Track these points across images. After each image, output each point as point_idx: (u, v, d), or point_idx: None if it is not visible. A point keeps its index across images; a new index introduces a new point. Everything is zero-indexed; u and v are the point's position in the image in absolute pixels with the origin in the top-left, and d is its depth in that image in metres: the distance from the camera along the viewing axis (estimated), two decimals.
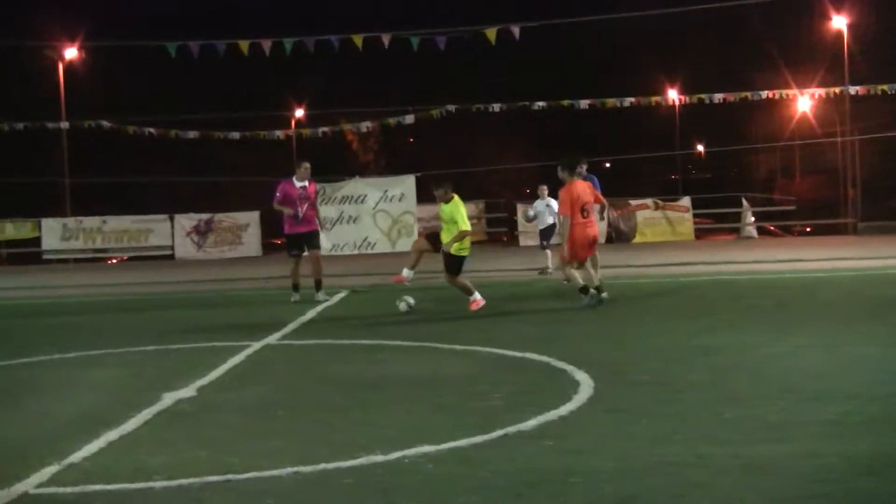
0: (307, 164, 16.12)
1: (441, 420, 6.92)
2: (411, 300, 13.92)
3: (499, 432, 6.38)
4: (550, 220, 19.54)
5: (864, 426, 6.38)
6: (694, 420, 6.70)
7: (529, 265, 21.08)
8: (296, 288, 15.96)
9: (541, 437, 6.31)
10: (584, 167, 17.53)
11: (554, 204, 19.60)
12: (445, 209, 13.86)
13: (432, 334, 11.40)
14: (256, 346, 10.92)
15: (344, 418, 7.13)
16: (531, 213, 20.52)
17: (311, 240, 16.01)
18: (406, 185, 29.97)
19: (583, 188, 13.41)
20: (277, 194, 15.99)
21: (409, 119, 31.65)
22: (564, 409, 7.00)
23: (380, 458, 5.89)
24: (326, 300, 15.82)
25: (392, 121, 32.32)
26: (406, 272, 14.35)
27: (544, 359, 9.26)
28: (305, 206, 15.78)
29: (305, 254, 15.99)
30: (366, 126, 36.07)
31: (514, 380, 8.47)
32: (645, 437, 6.26)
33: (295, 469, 5.70)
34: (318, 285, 16.02)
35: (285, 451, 6.14)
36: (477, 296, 13.77)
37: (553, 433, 6.40)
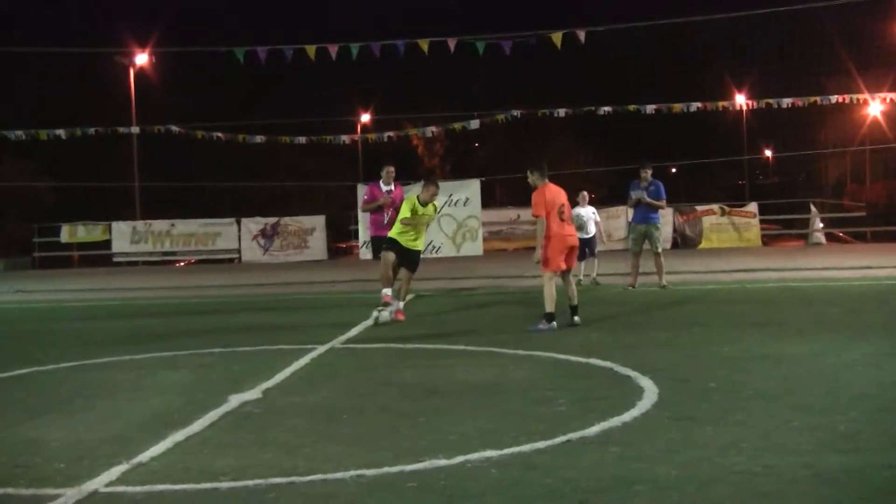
0: (391, 168, 15.95)
1: (504, 425, 6.91)
2: (386, 314, 13.70)
3: (562, 438, 6.36)
4: (593, 230, 19.21)
5: None
6: (761, 429, 6.61)
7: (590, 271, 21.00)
8: (389, 283, 15.21)
9: (605, 444, 6.28)
10: (649, 172, 17.44)
11: (594, 213, 19.38)
12: None
13: (497, 340, 11.40)
14: (321, 349, 10.99)
15: (407, 423, 7.15)
16: (582, 217, 19.24)
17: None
18: (471, 189, 30.02)
19: (555, 191, 12.62)
20: (365, 196, 16.02)
21: (475, 124, 31.65)
22: (628, 416, 6.96)
23: (443, 462, 5.90)
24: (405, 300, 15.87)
25: (458, 125, 32.34)
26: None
27: (608, 364, 9.22)
28: (391, 211, 15.61)
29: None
30: (430, 131, 36.14)
31: (577, 386, 8.44)
32: (711, 446, 6.20)
33: (358, 472, 5.73)
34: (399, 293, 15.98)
35: (349, 455, 6.17)
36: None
37: (617, 440, 6.37)
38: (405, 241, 14.18)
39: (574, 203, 19.26)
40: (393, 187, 15.88)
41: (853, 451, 5.99)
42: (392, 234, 14.27)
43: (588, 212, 19.17)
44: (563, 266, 12.51)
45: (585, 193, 19.54)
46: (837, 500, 5.11)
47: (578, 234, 18.69)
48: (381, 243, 15.69)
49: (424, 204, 14.22)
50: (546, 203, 12.35)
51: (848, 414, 6.96)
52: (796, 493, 5.23)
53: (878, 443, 6.16)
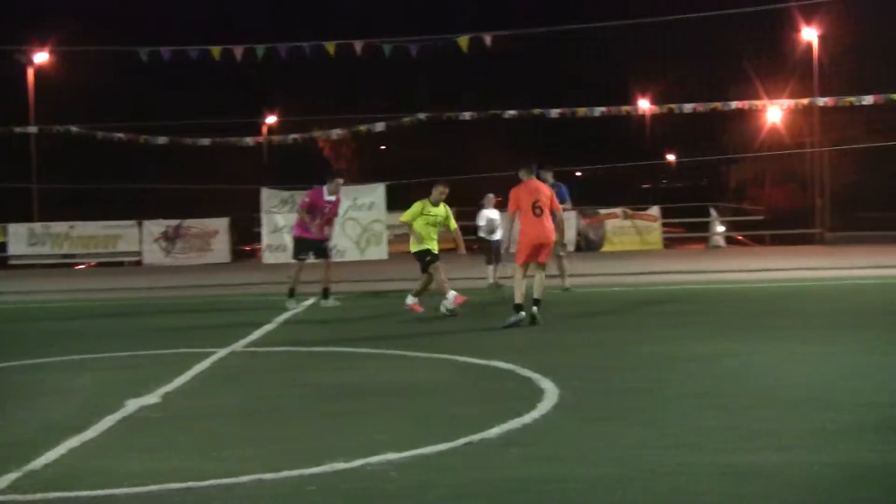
0: (340, 181, 16.23)
1: (406, 428, 6.90)
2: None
3: (463, 440, 6.38)
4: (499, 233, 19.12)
5: (848, 434, 6.42)
6: (672, 427, 6.73)
7: (500, 273, 21.07)
8: (292, 293, 15.80)
9: (506, 445, 6.31)
10: (551, 175, 17.55)
11: (496, 216, 19.38)
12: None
13: (401, 343, 11.38)
14: (222, 352, 10.86)
15: (307, 426, 7.11)
16: (482, 222, 19.19)
17: (324, 248, 15.93)
18: (376, 193, 29.93)
19: (534, 187, 12.84)
20: (307, 199, 15.91)
21: (380, 127, 31.57)
22: (529, 418, 7.00)
23: (343, 465, 5.87)
24: (337, 304, 15.85)
25: (363, 128, 32.24)
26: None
27: (510, 367, 9.25)
28: (321, 219, 15.72)
29: (309, 261, 15.86)
30: (336, 133, 35.99)
31: (479, 388, 8.48)
32: (619, 444, 6.28)
33: (258, 476, 5.67)
34: (327, 293, 15.98)
35: (248, 459, 6.11)
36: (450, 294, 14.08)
37: (518, 441, 6.41)
38: (433, 246, 14.43)
39: (480, 206, 19.40)
40: (334, 198, 15.93)
41: (766, 448, 6.12)
42: (423, 247, 14.37)
43: (496, 214, 19.12)
44: (530, 260, 12.72)
45: (492, 196, 19.49)
46: (751, 495, 5.21)
47: (489, 237, 18.83)
48: (303, 244, 15.65)
49: (436, 204, 14.54)
50: (519, 200, 12.68)
51: (761, 413, 7.11)
52: (710, 490, 5.31)
53: (789, 441, 6.30)
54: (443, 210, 14.64)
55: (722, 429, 6.64)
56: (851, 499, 5.14)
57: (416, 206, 14.51)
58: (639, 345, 10.71)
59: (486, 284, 18.56)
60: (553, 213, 12.88)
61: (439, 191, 14.61)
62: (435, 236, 14.59)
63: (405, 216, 14.58)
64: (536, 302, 12.73)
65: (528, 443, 6.36)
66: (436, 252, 14.43)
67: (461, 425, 6.78)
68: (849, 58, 40.03)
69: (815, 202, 37.53)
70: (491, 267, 18.72)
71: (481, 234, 19.10)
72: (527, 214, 12.63)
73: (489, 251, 18.87)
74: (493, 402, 7.70)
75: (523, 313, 12.46)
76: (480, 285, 18.39)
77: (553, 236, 12.90)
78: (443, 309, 14.05)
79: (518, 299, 12.52)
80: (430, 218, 14.47)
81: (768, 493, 5.24)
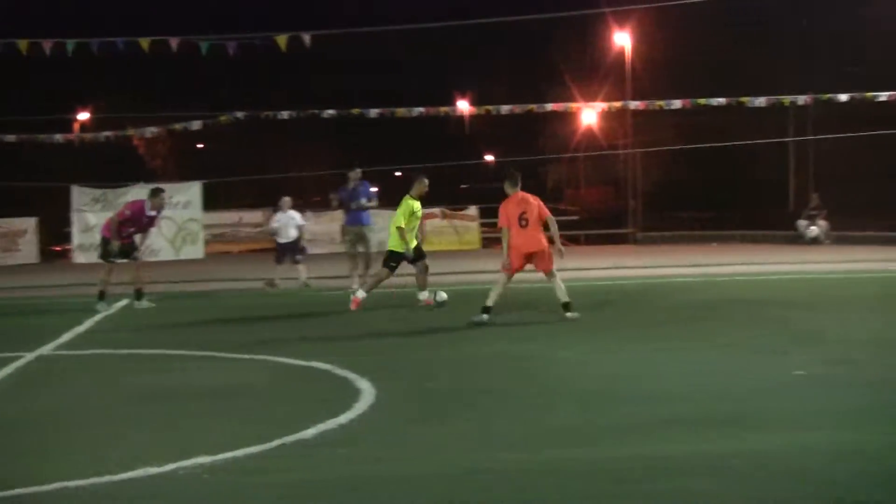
0: (165, 195, 16.33)
1: (220, 431, 6.81)
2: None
3: (277, 442, 6.33)
4: (294, 234, 19.10)
5: (655, 427, 6.63)
6: (484, 426, 6.82)
7: (318, 273, 20.96)
8: (102, 296, 15.41)
9: (320, 446, 6.29)
10: (359, 172, 17.69)
11: (297, 217, 19.34)
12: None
13: (215, 344, 11.16)
14: (29, 357, 10.48)
15: (117, 431, 6.93)
16: (275, 225, 19.39)
17: (133, 250, 15.50)
18: (192, 192, 29.39)
19: (520, 199, 13.20)
20: (127, 213, 15.44)
21: (196, 125, 30.97)
22: (345, 418, 6.99)
23: (155, 470, 5.75)
24: (151, 306, 15.46)
25: (178, 126, 31.57)
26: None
27: (327, 367, 9.22)
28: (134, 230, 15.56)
29: (120, 262, 15.44)
30: (150, 131, 35.14)
31: (296, 389, 8.44)
32: (432, 444, 6.34)
33: (62, 484, 5.49)
34: (140, 294, 15.59)
35: (51, 468, 5.90)
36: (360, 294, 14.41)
37: (333, 441, 6.39)
38: (413, 243, 14.57)
39: (277, 209, 19.28)
40: (155, 213, 15.72)
41: (568, 444, 6.26)
42: (403, 246, 14.44)
43: (288, 217, 19.04)
44: (520, 269, 13.09)
45: (288, 199, 19.34)
46: (557, 490, 5.32)
47: (278, 239, 18.77)
48: (110, 244, 15.19)
49: (418, 198, 14.66)
50: (508, 215, 13.02)
51: (565, 409, 7.29)
52: (517, 486, 5.40)
53: (589, 436, 6.47)
54: (418, 206, 14.78)
55: (530, 425, 6.79)
56: (652, 491, 5.31)
57: (407, 206, 14.50)
58: (453, 345, 10.85)
59: (299, 284, 18.43)
60: (547, 221, 13.26)
61: (421, 187, 14.77)
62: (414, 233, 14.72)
63: (400, 220, 14.39)
64: (566, 305, 12.89)
65: (344, 443, 6.35)
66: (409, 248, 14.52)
67: (276, 426, 6.71)
68: (659, 63, 41.36)
69: (627, 203, 38.64)
70: (280, 268, 18.63)
71: (272, 235, 19.16)
72: (515, 226, 12.99)
73: (282, 253, 18.95)
74: (309, 403, 7.66)
75: (486, 316, 12.60)
76: (291, 285, 18.35)
77: (544, 244, 13.12)
78: (422, 299, 14.57)
79: (489, 302, 12.71)
80: (416, 214, 14.64)
81: (576, 488, 5.37)
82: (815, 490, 5.20)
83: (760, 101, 28.01)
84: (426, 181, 14.92)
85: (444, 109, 31.25)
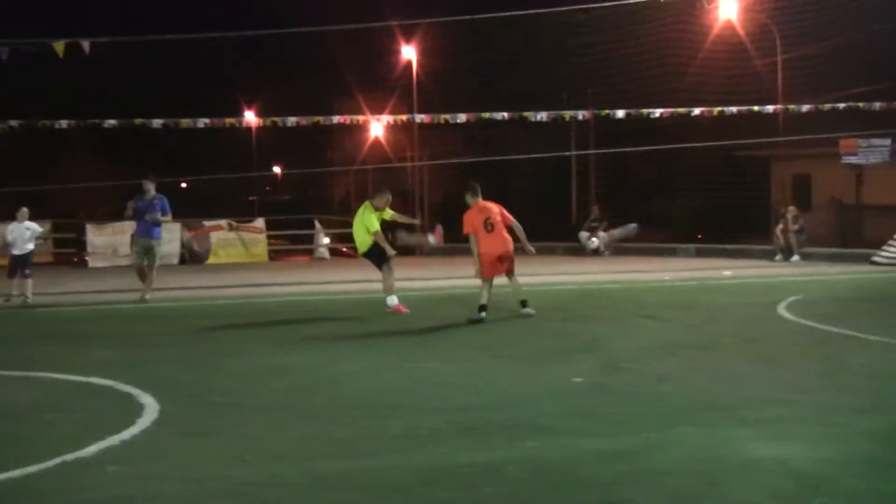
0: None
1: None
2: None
3: (57, 460, 6.21)
4: (30, 247, 18.18)
5: (430, 438, 6.80)
6: (266, 439, 6.85)
7: (100, 287, 20.42)
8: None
9: (103, 464, 6.20)
10: (153, 186, 17.36)
11: (35, 227, 18.64)
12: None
13: None
14: None
15: None
16: (9, 238, 18.24)
17: None
18: None
19: (482, 206, 13.89)
20: None
21: None
22: (127, 434, 6.91)
23: None
24: None
25: None
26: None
27: (109, 383, 9.06)
28: None
29: None
30: None
31: (76, 406, 8.24)
32: (217, 459, 6.33)
33: None
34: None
35: None
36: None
37: (116, 459, 6.31)
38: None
39: (12, 219, 18.41)
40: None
41: (352, 455, 6.38)
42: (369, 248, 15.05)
43: (23, 228, 18.20)
44: (494, 273, 13.83)
45: (25, 210, 18.47)
46: (340, 502, 5.43)
47: (12, 251, 17.96)
48: None
49: (379, 210, 15.23)
50: (472, 222, 13.82)
51: (346, 421, 7.39)
52: (299, 499, 5.49)
53: (374, 447, 6.61)
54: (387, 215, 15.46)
55: (312, 438, 6.87)
56: (430, 500, 5.47)
57: (369, 210, 15.08)
58: (242, 357, 10.81)
59: (20, 301, 17.62)
60: (512, 225, 14.05)
61: (385, 199, 15.33)
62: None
63: (375, 224, 15.00)
64: (524, 303, 13.95)
65: (126, 460, 6.28)
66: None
67: (55, 445, 6.58)
68: (447, 76, 42.13)
69: (414, 214, 39.14)
70: (14, 281, 17.88)
71: (5, 246, 18.35)
72: (481, 234, 13.71)
73: (14, 265, 18.06)
74: (91, 420, 7.52)
75: (484, 314, 13.44)
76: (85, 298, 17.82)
77: (510, 246, 13.91)
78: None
79: (482, 300, 13.55)
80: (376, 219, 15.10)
81: (358, 499, 5.50)
82: (587, 493, 5.52)
83: (542, 116, 28.97)
84: (389, 195, 15.53)
85: (229, 121, 30.91)
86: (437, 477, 5.83)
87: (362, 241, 15.11)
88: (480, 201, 14.05)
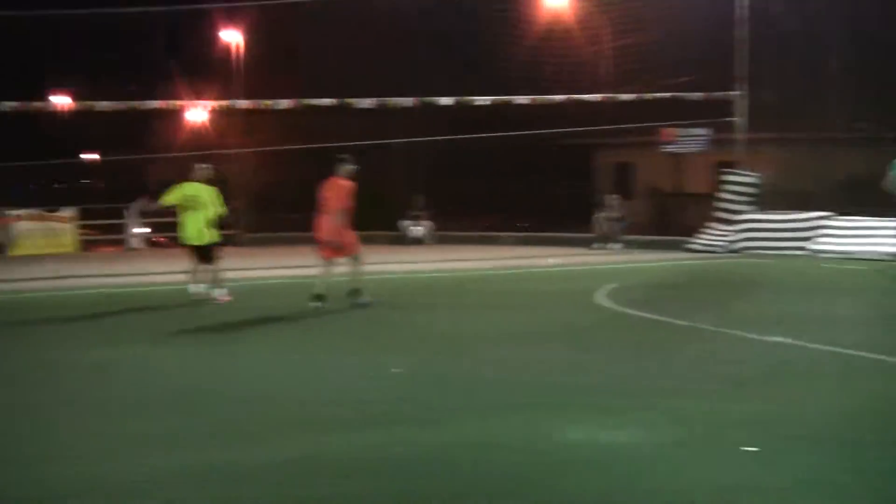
0: None
1: None
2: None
3: None
4: None
5: (251, 429, 6.63)
6: (67, 437, 6.58)
7: None
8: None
9: None
10: None
11: None
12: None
13: None
14: None
15: None
16: None
17: None
18: None
19: (328, 185, 13.38)
20: None
21: None
22: None
23: None
24: None
25: None
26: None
27: None
28: None
29: None
30: None
31: None
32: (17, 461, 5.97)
33: None
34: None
35: None
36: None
37: None
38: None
39: None
40: None
41: (166, 449, 6.12)
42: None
43: None
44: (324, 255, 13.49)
45: None
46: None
47: None
48: None
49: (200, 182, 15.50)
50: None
51: (160, 413, 7.17)
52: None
53: (193, 439, 6.39)
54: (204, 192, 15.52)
55: (125, 435, 6.53)
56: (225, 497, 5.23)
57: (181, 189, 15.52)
58: (69, 352, 10.24)
59: None
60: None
61: (205, 170, 15.87)
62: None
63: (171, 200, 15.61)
64: (318, 297, 13.39)
65: None
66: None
67: None
68: (271, 62, 41.48)
69: (235, 203, 38.40)
70: None
71: None
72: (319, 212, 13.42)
73: None
74: None
75: (321, 303, 13.17)
76: None
77: (333, 234, 13.43)
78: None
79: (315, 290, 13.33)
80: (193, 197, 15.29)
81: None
82: (389, 485, 5.32)
83: (367, 104, 28.61)
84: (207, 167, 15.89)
85: (37, 105, 29.61)
86: (309, 469, 5.68)
87: (202, 231, 15.07)
88: (333, 178, 13.50)
